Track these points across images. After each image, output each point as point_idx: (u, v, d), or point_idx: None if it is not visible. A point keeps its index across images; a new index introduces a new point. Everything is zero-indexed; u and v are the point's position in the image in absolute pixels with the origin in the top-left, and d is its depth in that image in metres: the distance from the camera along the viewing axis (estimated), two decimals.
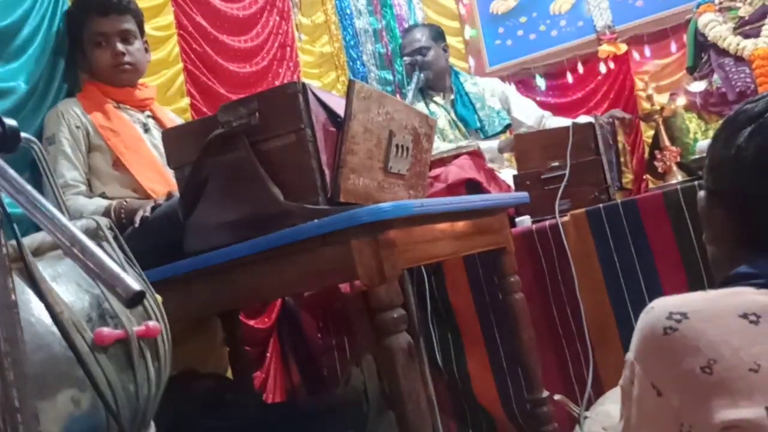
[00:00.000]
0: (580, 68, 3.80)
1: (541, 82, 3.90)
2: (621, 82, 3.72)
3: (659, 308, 0.71)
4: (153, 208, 1.79)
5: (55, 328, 0.83)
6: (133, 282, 0.59)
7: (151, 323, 0.93)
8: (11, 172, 0.65)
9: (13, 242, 0.80)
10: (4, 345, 0.68)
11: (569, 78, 3.82)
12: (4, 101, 1.81)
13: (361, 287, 2.31)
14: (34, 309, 0.81)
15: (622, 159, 2.75)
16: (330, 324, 2.63)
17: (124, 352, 0.89)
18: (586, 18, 3.80)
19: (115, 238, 1.01)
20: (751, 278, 0.72)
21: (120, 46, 2.03)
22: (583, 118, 3.06)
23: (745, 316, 0.68)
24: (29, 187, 0.64)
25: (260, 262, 1.48)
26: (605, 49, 3.69)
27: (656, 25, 3.63)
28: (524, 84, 3.90)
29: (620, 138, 2.79)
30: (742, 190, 0.79)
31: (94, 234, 0.96)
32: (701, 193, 0.87)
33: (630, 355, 0.73)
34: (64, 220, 0.61)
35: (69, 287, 0.87)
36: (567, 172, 2.44)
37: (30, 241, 0.86)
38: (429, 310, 2.27)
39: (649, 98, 2.74)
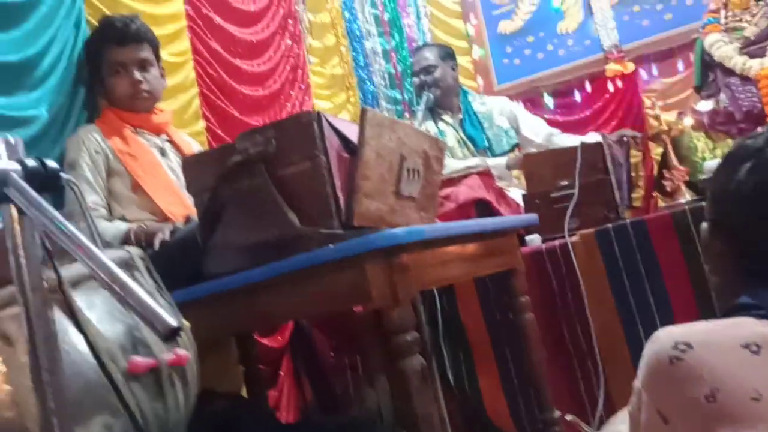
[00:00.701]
0: (588, 87, 3.84)
1: (548, 101, 3.95)
2: (628, 100, 3.76)
3: (665, 338, 0.74)
4: (172, 232, 1.84)
5: (90, 357, 0.87)
6: (169, 318, 0.63)
7: (181, 351, 0.97)
8: (53, 211, 0.69)
9: (52, 274, 0.84)
10: (45, 375, 0.72)
11: (577, 96, 3.87)
12: (28, 129, 1.87)
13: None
14: (70, 338, 0.85)
15: (633, 174, 2.78)
16: (342, 343, 2.66)
17: (155, 379, 0.93)
18: (593, 37, 3.85)
19: (147, 267, 1.05)
20: (753, 309, 0.75)
21: (137, 75, 2.08)
22: (592, 136, 3.09)
23: (747, 346, 0.71)
24: (71, 227, 0.68)
25: (277, 286, 1.52)
26: (612, 68, 3.73)
27: (663, 45, 3.68)
28: (532, 102, 3.95)
29: (633, 153, 2.82)
30: (742, 222, 0.82)
31: (128, 264, 1.00)
32: (704, 225, 0.90)
33: (637, 383, 0.76)
34: (104, 258, 0.66)
35: (103, 317, 0.91)
36: (576, 191, 2.47)
37: (67, 273, 0.90)
38: (440, 329, 2.30)
39: (657, 118, 2.77)
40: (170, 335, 0.63)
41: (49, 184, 0.75)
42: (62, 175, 0.74)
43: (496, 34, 4.14)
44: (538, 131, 3.45)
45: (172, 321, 0.63)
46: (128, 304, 0.65)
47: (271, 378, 2.56)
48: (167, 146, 2.22)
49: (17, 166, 0.73)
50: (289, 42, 3.20)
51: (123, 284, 0.66)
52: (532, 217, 2.07)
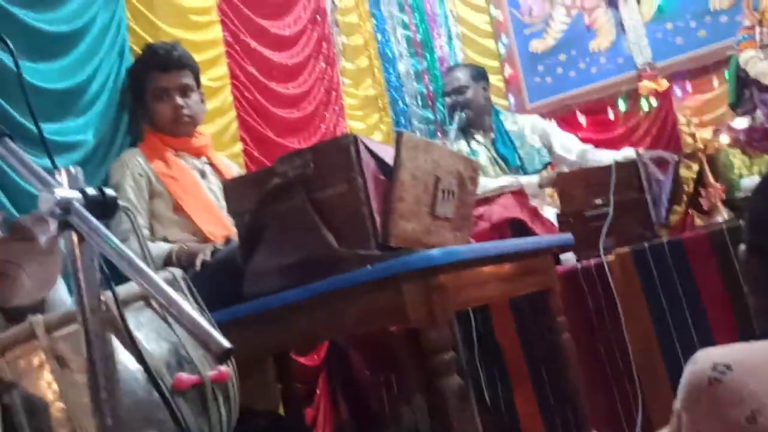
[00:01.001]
0: (621, 104, 3.83)
1: (581, 119, 3.94)
2: (663, 117, 3.74)
3: (704, 360, 0.75)
4: (212, 252, 1.88)
5: (138, 375, 0.91)
6: (223, 339, 0.66)
7: (223, 368, 1.00)
8: (113, 237, 0.73)
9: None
10: (103, 393, 0.76)
11: (610, 114, 3.86)
12: (75, 153, 1.94)
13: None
14: (119, 356, 0.89)
15: (686, 188, 2.76)
16: (378, 361, 2.67)
17: (200, 395, 0.96)
18: (626, 55, 3.85)
19: (189, 288, 1.09)
20: None
21: (179, 100, 2.15)
22: (627, 151, 3.08)
23: None
24: (129, 252, 0.72)
25: (315, 306, 1.55)
26: (646, 85, 3.72)
27: (697, 62, 3.66)
28: (565, 120, 3.95)
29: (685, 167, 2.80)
30: None
31: (171, 285, 1.04)
32: (742, 247, 0.91)
33: (677, 405, 0.77)
34: (161, 281, 0.69)
35: (150, 335, 0.95)
36: (611, 210, 2.46)
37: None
38: (476, 349, 2.30)
39: (693, 135, 2.76)
40: (224, 356, 0.66)
41: (107, 211, 0.79)
42: (119, 202, 0.78)
43: (528, 53, 4.16)
44: (571, 148, 3.44)
45: (225, 342, 0.66)
46: (184, 325, 0.68)
47: (308, 396, 2.59)
48: (207, 168, 2.27)
49: (79, 195, 0.77)
50: (323, 65, 3.26)
51: (179, 306, 0.69)
52: (567, 237, 2.07)
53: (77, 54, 2.03)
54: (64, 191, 0.76)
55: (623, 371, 2.17)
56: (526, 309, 2.33)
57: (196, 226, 2.12)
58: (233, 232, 2.12)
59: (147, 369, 0.88)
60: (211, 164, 2.30)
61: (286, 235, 1.62)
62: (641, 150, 2.99)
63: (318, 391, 2.65)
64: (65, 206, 0.75)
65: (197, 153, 2.27)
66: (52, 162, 0.86)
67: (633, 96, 3.80)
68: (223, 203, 2.22)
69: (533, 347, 2.31)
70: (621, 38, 3.86)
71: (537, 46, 4.12)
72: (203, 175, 2.24)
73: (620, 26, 3.87)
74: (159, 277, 0.70)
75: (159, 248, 2.03)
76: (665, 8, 3.77)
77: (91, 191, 0.79)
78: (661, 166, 2.74)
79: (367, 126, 3.50)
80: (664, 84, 3.71)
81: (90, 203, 0.78)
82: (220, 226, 2.14)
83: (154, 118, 2.18)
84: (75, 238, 0.78)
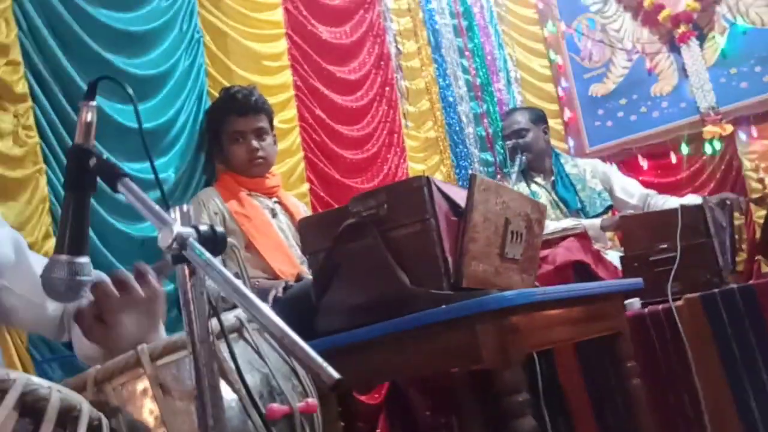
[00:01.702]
0: (684, 149, 3.80)
1: (643, 163, 3.92)
2: (728, 162, 3.70)
3: None
4: (284, 289, 1.94)
5: (234, 404, 0.95)
6: (334, 371, 0.69)
7: (310, 400, 1.04)
8: (226, 272, 0.78)
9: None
10: (210, 420, 0.80)
11: (672, 158, 3.83)
12: (157, 191, 2.03)
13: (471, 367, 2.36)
14: None
15: (737, 237, 2.71)
16: (438, 402, 2.67)
17: (289, 426, 1.00)
18: (689, 99, 3.83)
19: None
20: None
21: (255, 143, 2.24)
22: (691, 198, 3.05)
23: None
24: (243, 287, 0.77)
25: (387, 344, 1.57)
26: (710, 130, 3.69)
27: (762, 107, 3.61)
28: (626, 164, 3.93)
29: (736, 216, 2.76)
30: None
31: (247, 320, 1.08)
32: None
33: None
34: (274, 316, 0.74)
35: (244, 366, 0.99)
36: (677, 254, 2.43)
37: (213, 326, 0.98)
38: (541, 393, 2.28)
39: (761, 181, 2.72)
40: (335, 386, 0.69)
41: (218, 247, 0.84)
42: (229, 240, 0.83)
43: (587, 97, 4.18)
44: (633, 192, 3.42)
45: (335, 373, 0.69)
46: (296, 355, 0.72)
47: None
48: (278, 208, 2.35)
49: (192, 231, 0.83)
50: (386, 107, 3.34)
51: (290, 338, 0.73)
52: (637, 281, 2.06)
53: (161, 96, 2.15)
54: (180, 228, 0.82)
55: (693, 419, 2.11)
56: (591, 353, 2.31)
57: (266, 264, 2.18)
58: (302, 270, 2.18)
59: (251, 398, 0.92)
60: (281, 204, 2.38)
61: (359, 273, 1.66)
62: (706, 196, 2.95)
63: (378, 430, 2.65)
64: (182, 242, 0.81)
65: (269, 193, 2.35)
66: (165, 200, 0.92)
67: (696, 140, 3.77)
68: (293, 242, 2.30)
69: (599, 393, 2.28)
70: (683, 83, 3.85)
71: (597, 90, 4.13)
72: (274, 214, 2.32)
73: (683, 71, 3.86)
74: (272, 313, 0.75)
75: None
76: (728, 53, 3.75)
77: (203, 228, 0.84)
78: (725, 211, 2.71)
79: (428, 167, 3.55)
80: (728, 129, 3.67)
81: (203, 239, 0.83)
82: (290, 264, 2.20)
83: (230, 159, 2.27)
84: (186, 271, 0.83)
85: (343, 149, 3.01)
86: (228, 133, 2.26)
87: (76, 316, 1.13)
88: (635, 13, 4.09)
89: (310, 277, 1.95)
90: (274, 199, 2.37)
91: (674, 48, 3.91)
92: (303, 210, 2.48)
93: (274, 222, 2.29)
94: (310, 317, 1.73)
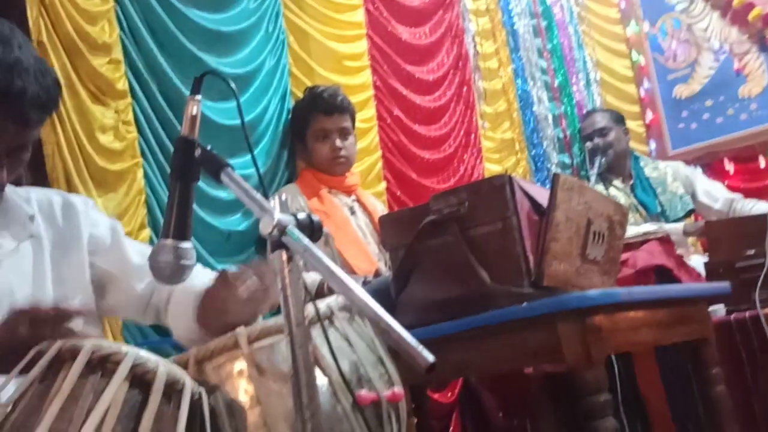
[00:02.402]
0: None
1: (729, 167, 3.79)
2: None
3: None
4: (363, 284, 1.97)
5: (324, 389, 0.98)
6: (429, 353, 0.72)
7: (397, 389, 1.06)
8: (325, 258, 0.81)
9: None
10: (305, 398, 0.84)
11: (761, 162, 3.68)
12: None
13: (545, 369, 2.34)
14: None
15: None
16: (512, 404, 2.65)
17: (376, 413, 1.02)
18: None
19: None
20: None
21: (338, 142, 2.30)
22: None
23: None
24: (340, 271, 0.80)
25: (466, 341, 1.58)
26: None
27: None
28: (711, 168, 3.81)
29: None
30: None
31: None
32: None
33: None
34: (370, 300, 0.77)
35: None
36: (766, 261, 2.35)
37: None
38: (620, 398, 2.24)
39: None
40: (430, 369, 0.71)
41: (314, 234, 0.88)
42: (324, 229, 0.86)
43: (671, 98, 4.07)
44: (717, 196, 3.32)
45: (430, 356, 0.72)
46: (392, 338, 0.74)
47: None
48: (356, 206, 2.40)
49: (291, 218, 0.87)
50: (463, 108, 3.35)
51: (386, 321, 0.76)
52: (724, 285, 2.00)
53: (248, 95, 2.23)
54: (281, 215, 0.85)
55: None
56: (672, 359, 2.25)
57: (344, 260, 2.23)
58: (379, 267, 2.22)
59: (345, 381, 0.95)
60: (359, 201, 2.43)
61: (439, 269, 1.67)
62: None
63: (451, 429, 2.66)
64: (282, 229, 0.85)
65: (348, 191, 2.40)
66: (264, 190, 0.96)
67: None
68: (370, 239, 2.34)
69: (679, 400, 2.22)
70: None
71: (681, 91, 4.02)
72: (352, 212, 2.37)
73: None
74: (370, 298, 0.78)
75: (311, 279, 2.15)
76: None
77: (301, 216, 0.88)
78: None
79: (504, 169, 3.53)
80: None
81: (300, 226, 0.87)
82: (367, 261, 2.24)
83: (313, 156, 2.33)
84: (284, 257, 0.87)
85: (420, 149, 3.04)
86: (314, 131, 2.32)
87: (203, 297, 1.20)
88: (723, 12, 3.95)
89: (389, 273, 1.99)
90: (353, 197, 2.42)
91: (764, 48, 3.77)
92: (381, 209, 2.52)
93: (352, 219, 2.33)
94: (389, 312, 1.76)
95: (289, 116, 2.40)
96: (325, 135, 2.31)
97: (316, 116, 2.31)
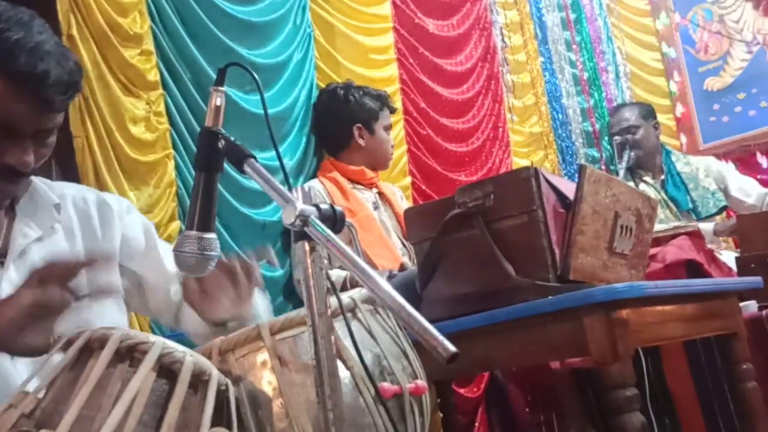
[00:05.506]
0: None
1: (762, 160, 3.71)
2: None
3: None
4: (388, 278, 1.97)
5: (347, 380, 0.98)
6: (450, 344, 0.71)
7: (420, 382, 1.06)
8: (347, 249, 0.81)
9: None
10: (327, 389, 0.84)
11: None
12: (276, 176, 2.13)
13: (572, 364, 2.32)
14: None
15: None
16: (538, 399, 2.64)
17: (398, 406, 1.02)
18: None
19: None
20: None
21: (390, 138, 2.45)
22: None
23: None
24: (363, 263, 0.80)
25: (491, 334, 1.57)
26: None
27: None
28: (743, 162, 3.74)
29: None
30: None
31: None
32: None
33: None
34: (393, 291, 0.76)
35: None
36: None
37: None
38: (647, 394, 2.22)
39: None
40: (451, 359, 0.71)
41: (337, 225, 0.88)
42: (348, 220, 0.86)
43: (702, 91, 4.00)
44: (750, 192, 3.26)
45: (452, 346, 0.71)
46: (414, 329, 0.74)
47: (467, 428, 2.60)
48: (379, 200, 2.41)
49: (314, 209, 0.87)
50: (491, 101, 3.32)
51: (408, 312, 0.76)
52: (756, 280, 1.96)
53: (278, 87, 2.24)
54: (303, 206, 0.86)
55: None
56: (701, 355, 2.22)
57: (368, 258, 2.23)
58: (404, 262, 2.22)
59: (368, 373, 0.95)
60: (381, 194, 2.45)
61: (464, 263, 1.66)
62: None
63: (477, 424, 2.65)
64: (304, 219, 0.85)
65: (370, 185, 2.42)
66: (288, 182, 0.97)
67: None
68: (393, 234, 2.35)
69: (709, 396, 2.19)
70: None
71: (713, 84, 3.95)
72: (376, 206, 2.39)
73: None
74: (391, 289, 0.77)
75: (336, 275, 2.16)
76: None
77: (324, 206, 0.88)
78: None
79: (532, 162, 3.50)
80: None
81: (323, 217, 0.87)
82: (391, 259, 2.25)
83: (377, 148, 2.42)
84: (307, 247, 0.87)
85: (447, 142, 3.02)
86: (384, 126, 2.43)
87: (184, 282, 1.23)
88: (756, 3, 3.88)
89: (414, 267, 1.98)
90: (375, 190, 2.43)
91: None
92: (400, 196, 2.54)
93: (375, 214, 2.34)
94: (414, 306, 1.75)
95: (336, 105, 2.39)
96: (385, 131, 2.45)
97: (386, 112, 2.44)
